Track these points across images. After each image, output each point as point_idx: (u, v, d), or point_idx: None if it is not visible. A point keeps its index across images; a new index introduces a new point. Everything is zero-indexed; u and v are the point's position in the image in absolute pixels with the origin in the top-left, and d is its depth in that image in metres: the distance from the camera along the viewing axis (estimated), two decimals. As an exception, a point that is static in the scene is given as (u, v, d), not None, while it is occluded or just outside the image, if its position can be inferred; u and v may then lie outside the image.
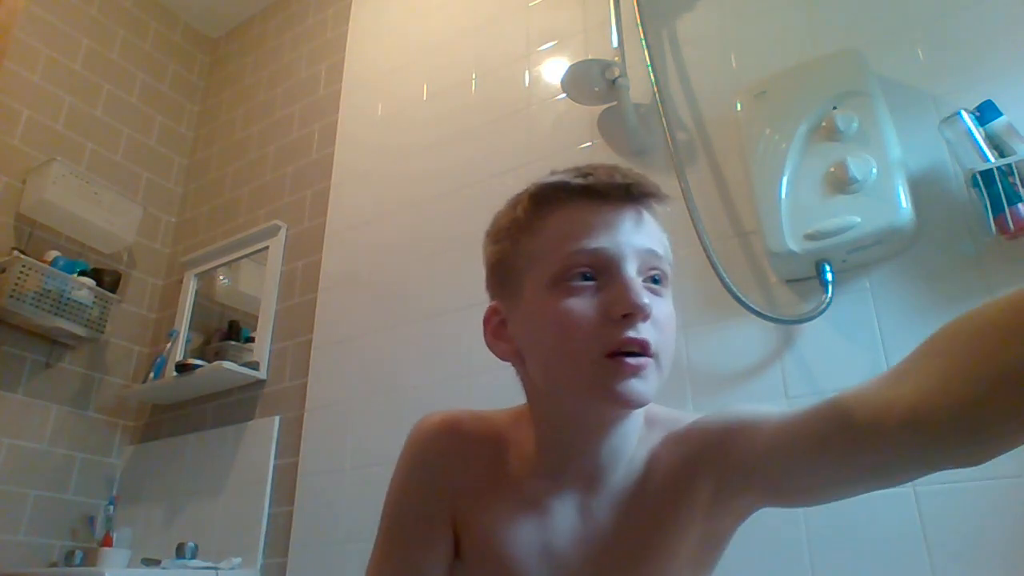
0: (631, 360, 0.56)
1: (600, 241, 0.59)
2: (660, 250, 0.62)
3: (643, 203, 0.63)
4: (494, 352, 0.67)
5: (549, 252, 0.60)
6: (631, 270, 0.58)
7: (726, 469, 0.60)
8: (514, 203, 0.66)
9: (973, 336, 0.42)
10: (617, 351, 0.56)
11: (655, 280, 0.61)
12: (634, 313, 0.56)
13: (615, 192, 0.61)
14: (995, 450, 0.43)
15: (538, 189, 0.64)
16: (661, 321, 0.59)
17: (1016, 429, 0.41)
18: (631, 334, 0.56)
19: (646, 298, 0.57)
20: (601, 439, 0.64)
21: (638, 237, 0.60)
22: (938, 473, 1.15)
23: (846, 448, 0.50)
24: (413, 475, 0.70)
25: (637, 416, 0.65)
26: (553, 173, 0.65)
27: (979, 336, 0.42)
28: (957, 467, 0.45)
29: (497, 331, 0.66)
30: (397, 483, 0.71)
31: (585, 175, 0.61)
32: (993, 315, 0.41)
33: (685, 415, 0.69)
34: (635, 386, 0.57)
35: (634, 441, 0.66)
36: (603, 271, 0.59)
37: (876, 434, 0.47)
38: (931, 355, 0.45)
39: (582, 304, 0.58)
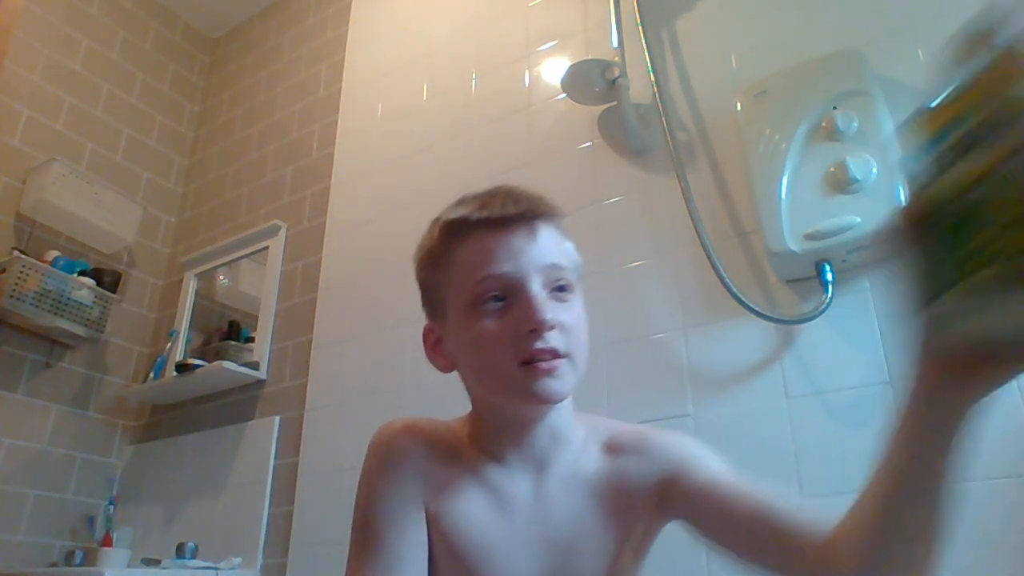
0: (543, 364, 0.64)
1: (504, 267, 0.66)
2: (563, 261, 0.70)
3: (539, 223, 0.70)
4: (435, 365, 0.74)
5: (462, 281, 0.69)
6: (535, 287, 0.66)
7: (668, 496, 0.69)
8: (430, 234, 0.74)
9: (870, 500, 0.53)
10: (529, 360, 0.64)
11: (561, 289, 0.69)
12: (538, 328, 0.64)
13: (512, 219, 0.68)
14: None
15: (446, 225, 0.71)
16: (569, 325, 0.67)
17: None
18: (539, 345, 0.65)
19: (549, 312, 0.65)
20: (535, 429, 0.72)
21: (539, 255, 0.68)
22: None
23: (774, 552, 0.61)
24: (383, 478, 0.72)
25: (564, 407, 0.72)
26: (461, 202, 0.72)
27: (872, 499, 0.53)
28: None
29: (435, 347, 0.74)
30: (367, 490, 0.72)
31: (482, 206, 0.69)
32: (878, 481, 0.53)
33: (620, 423, 0.78)
34: (550, 384, 0.65)
35: (577, 433, 0.75)
36: (510, 292, 0.66)
37: (801, 559, 0.58)
38: (851, 508, 0.56)
39: (495, 324, 0.66)
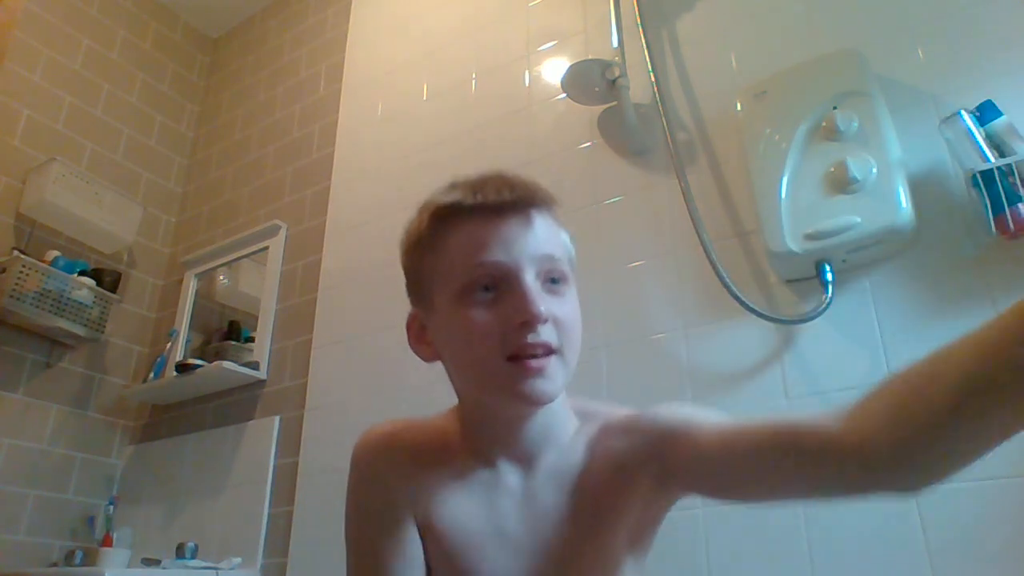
0: (532, 362, 0.62)
1: (496, 255, 0.64)
2: (557, 252, 0.67)
3: (534, 211, 0.67)
4: (418, 355, 0.72)
5: (452, 269, 0.66)
6: (528, 278, 0.63)
7: (670, 465, 0.65)
8: (419, 219, 0.70)
9: (914, 384, 0.47)
10: (518, 355, 0.62)
11: (554, 281, 0.66)
12: (530, 320, 0.61)
13: (506, 206, 0.65)
14: (930, 482, 0.48)
15: (436, 209, 0.68)
16: (562, 319, 0.64)
17: (949, 466, 0.48)
18: (531, 339, 0.62)
19: (542, 305, 0.62)
20: (523, 427, 0.69)
21: (533, 245, 0.65)
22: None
23: (795, 470, 0.56)
24: (368, 494, 0.71)
25: (557, 404, 0.69)
26: (452, 187, 0.69)
27: (918, 384, 0.47)
28: (893, 495, 0.51)
29: (419, 335, 0.71)
30: (354, 507, 0.72)
31: (476, 192, 0.66)
32: (931, 366, 0.46)
33: (620, 408, 0.74)
34: (538, 385, 0.62)
35: (567, 428, 0.72)
36: (502, 282, 0.64)
37: (824, 463, 0.53)
38: (882, 396, 0.50)
39: (484, 315, 0.63)
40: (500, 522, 0.68)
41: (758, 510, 1.28)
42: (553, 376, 0.63)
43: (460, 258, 0.65)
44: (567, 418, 0.72)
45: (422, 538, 0.70)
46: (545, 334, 0.62)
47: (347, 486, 0.73)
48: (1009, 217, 1.15)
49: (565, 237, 0.71)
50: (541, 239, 0.66)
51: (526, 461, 0.70)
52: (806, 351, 1.34)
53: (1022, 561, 1.06)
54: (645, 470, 0.67)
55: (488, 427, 0.71)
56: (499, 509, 0.69)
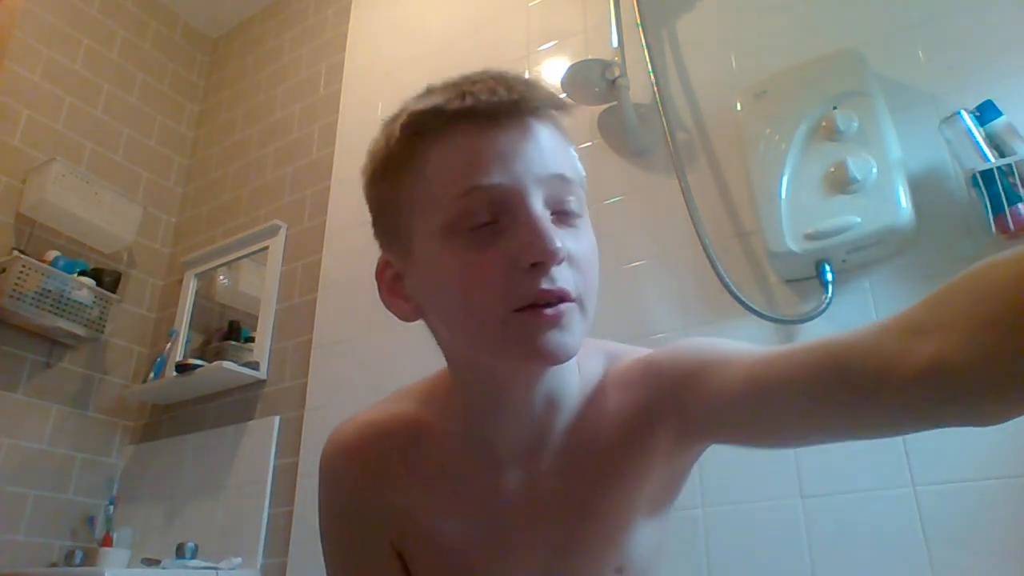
0: (548, 310, 0.49)
1: (494, 176, 0.49)
2: (569, 172, 0.53)
3: (539, 118, 0.53)
4: (393, 312, 0.58)
5: (436, 195, 0.51)
6: (536, 206, 0.50)
7: (691, 415, 0.54)
8: (388, 133, 0.55)
9: (1009, 283, 0.35)
10: (530, 305, 0.49)
11: (567, 209, 0.52)
12: (545, 261, 0.48)
13: (503, 110, 0.51)
14: (1018, 410, 0.37)
15: (411, 117, 0.53)
16: (580, 259, 0.51)
17: None
18: (546, 285, 0.48)
19: (558, 240, 0.48)
20: (531, 395, 0.56)
21: (540, 163, 0.51)
22: (938, 473, 1.15)
23: (848, 401, 0.43)
24: (339, 515, 0.65)
25: (570, 363, 0.55)
26: (429, 91, 0.54)
27: (1016, 282, 0.35)
28: (967, 425, 0.40)
29: (393, 288, 0.58)
30: (327, 518, 0.66)
31: (463, 94, 0.51)
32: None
33: (627, 352, 0.62)
34: (556, 339, 0.49)
35: (574, 384, 0.58)
36: (503, 211, 0.50)
37: (886, 388, 0.40)
38: (955, 303, 0.38)
39: (483, 255, 0.49)
40: (494, 513, 0.59)
41: (758, 510, 1.28)
42: (572, 327, 0.50)
43: (445, 182, 0.51)
44: (573, 371, 0.59)
45: (402, 543, 0.63)
46: (561, 278, 0.49)
47: (319, 496, 0.66)
48: (1009, 217, 1.15)
49: (575, 153, 0.57)
50: (549, 154, 0.52)
51: (530, 437, 0.58)
52: (806, 351, 1.34)
53: (1022, 561, 1.06)
54: (662, 427, 0.56)
55: (486, 398, 0.58)
56: (493, 499, 0.59)
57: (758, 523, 1.28)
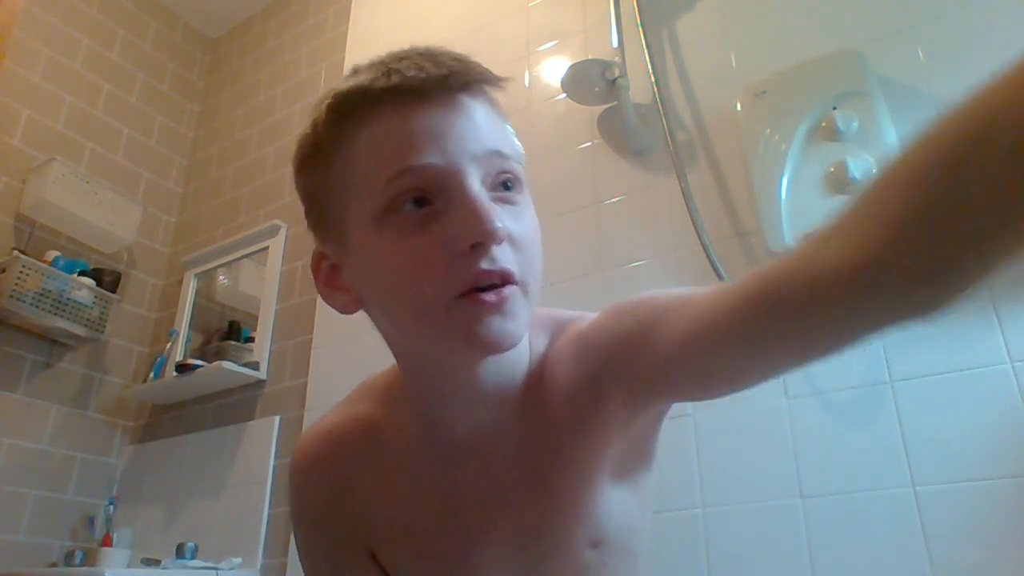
0: (489, 296, 0.47)
1: (427, 156, 0.47)
2: (506, 148, 0.51)
3: (471, 94, 0.51)
4: (332, 305, 0.57)
5: (367, 180, 0.49)
6: (473, 185, 0.47)
7: (638, 377, 0.52)
8: (314, 119, 0.53)
9: (923, 175, 0.34)
10: (472, 288, 0.47)
11: (506, 186, 0.50)
12: (485, 241, 0.46)
13: (433, 87, 0.49)
14: (956, 296, 0.36)
15: (336, 99, 0.51)
16: (521, 239, 0.49)
17: (981, 272, 0.35)
18: (485, 266, 0.46)
19: (498, 219, 0.46)
20: (478, 381, 0.55)
21: (474, 140, 0.49)
22: (938, 472, 1.14)
23: (787, 331, 0.42)
24: (314, 515, 0.65)
25: (519, 346, 0.54)
26: (355, 71, 0.52)
27: (930, 171, 0.34)
28: (912, 321, 0.38)
29: (330, 280, 0.56)
30: (299, 530, 0.66)
31: (389, 72, 0.49)
32: (939, 146, 0.34)
33: (574, 316, 0.61)
34: (499, 326, 0.47)
35: (522, 368, 0.57)
36: (438, 192, 0.48)
37: (821, 307, 0.39)
38: (873, 203, 0.36)
39: (421, 239, 0.47)
40: (456, 505, 0.59)
41: (758, 510, 1.28)
42: (515, 313, 0.48)
43: (376, 165, 0.49)
44: (522, 350, 0.57)
45: (379, 549, 0.64)
46: (503, 258, 0.47)
47: (290, 509, 0.67)
48: (1009, 217, 1.15)
49: (511, 131, 0.54)
50: (484, 131, 0.50)
51: (481, 417, 0.57)
52: (806, 351, 1.34)
53: (1022, 561, 1.06)
54: (610, 397, 0.54)
55: (434, 385, 0.57)
56: (454, 491, 0.59)
57: (758, 523, 1.28)
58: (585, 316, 0.60)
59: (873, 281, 0.36)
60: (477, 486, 0.58)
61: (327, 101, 0.51)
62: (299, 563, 0.69)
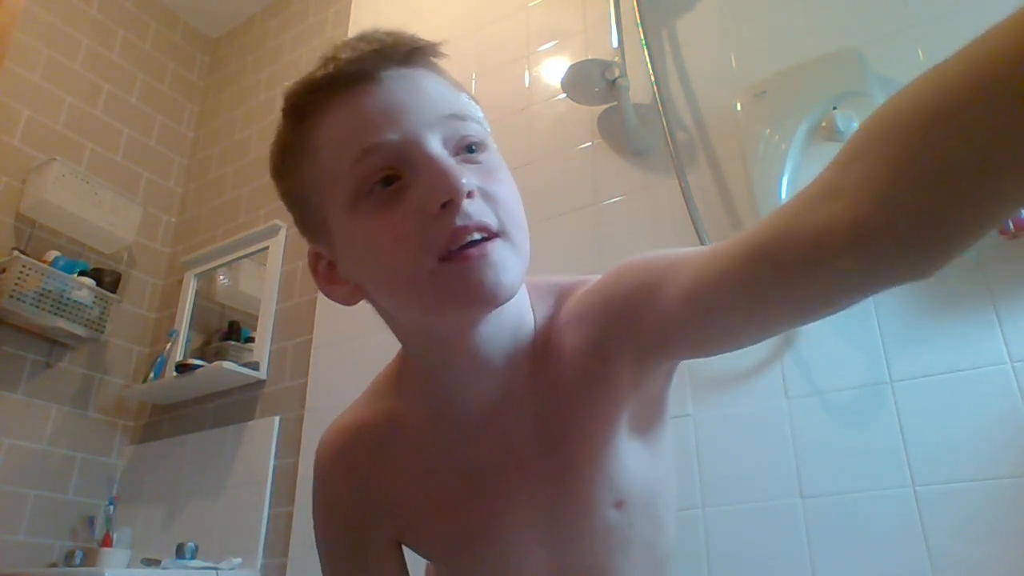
0: (473, 250, 0.47)
1: (383, 132, 0.48)
2: (460, 110, 0.51)
3: (413, 66, 0.52)
4: (333, 299, 0.57)
5: (332, 170, 0.50)
6: (434, 147, 0.48)
7: (642, 339, 0.53)
8: (278, 127, 0.55)
9: (912, 129, 0.33)
10: (451, 248, 0.47)
11: (470, 149, 0.51)
12: (454, 198, 0.46)
13: (371, 66, 0.50)
14: (950, 256, 0.36)
15: (288, 100, 0.53)
16: (494, 191, 0.50)
17: (975, 228, 0.34)
18: (460, 222, 0.47)
19: (463, 176, 0.47)
20: (482, 349, 0.54)
21: (427, 108, 0.50)
22: (938, 472, 1.14)
23: (783, 292, 0.43)
24: (339, 509, 0.66)
25: (514, 304, 0.53)
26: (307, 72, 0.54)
27: (920, 126, 0.33)
28: (909, 280, 0.39)
29: (328, 276, 0.57)
30: (322, 523, 0.67)
31: (327, 61, 0.51)
32: (929, 98, 0.33)
33: (578, 281, 0.61)
34: (491, 278, 0.47)
35: (528, 334, 0.57)
36: (403, 165, 0.48)
37: (816, 269, 0.40)
38: (862, 159, 0.36)
39: (395, 213, 0.48)
40: (482, 481, 0.59)
41: (758, 510, 1.28)
42: (504, 262, 0.48)
43: (338, 153, 0.50)
44: (525, 315, 0.58)
45: (408, 538, 0.65)
46: (477, 212, 0.48)
47: (313, 500, 0.68)
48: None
49: (468, 98, 0.55)
50: (435, 97, 0.51)
51: (491, 388, 0.57)
52: (806, 351, 1.34)
53: (1022, 561, 1.06)
54: (617, 358, 0.54)
55: (440, 360, 0.57)
56: (476, 467, 0.59)
57: (758, 523, 1.28)
58: (588, 279, 0.60)
59: (869, 249, 0.36)
60: (496, 456, 0.59)
61: (283, 106, 0.53)
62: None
